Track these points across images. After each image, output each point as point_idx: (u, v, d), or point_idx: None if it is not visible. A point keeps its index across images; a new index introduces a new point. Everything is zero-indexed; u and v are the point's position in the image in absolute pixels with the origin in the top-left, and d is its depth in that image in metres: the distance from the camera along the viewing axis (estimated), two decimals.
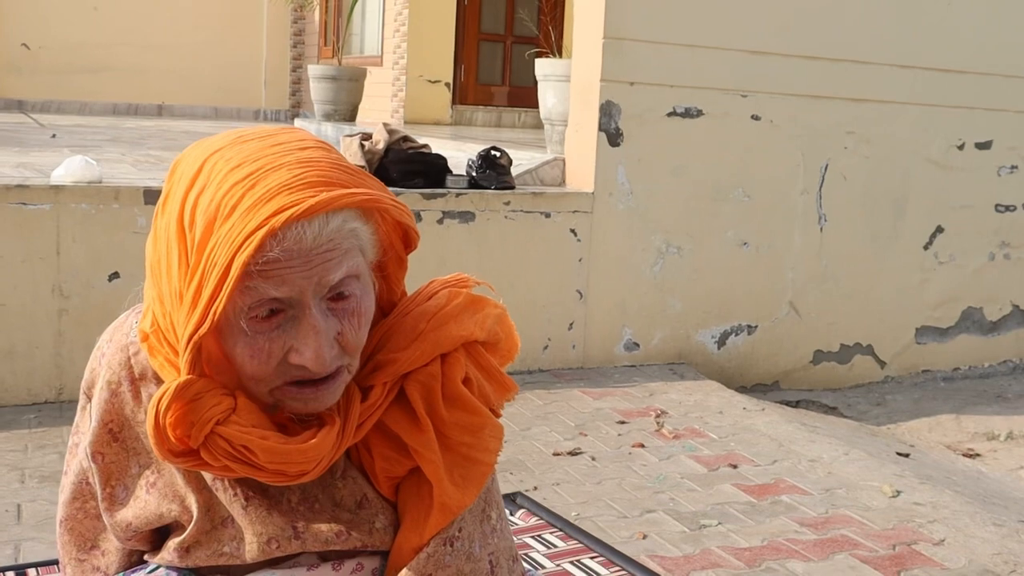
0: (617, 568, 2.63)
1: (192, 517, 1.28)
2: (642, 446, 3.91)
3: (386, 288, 1.32)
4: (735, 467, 3.76)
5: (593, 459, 3.74)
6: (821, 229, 5.46)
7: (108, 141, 7.18)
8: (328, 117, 8.53)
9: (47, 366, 4.02)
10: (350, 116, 8.62)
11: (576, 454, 3.76)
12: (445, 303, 1.32)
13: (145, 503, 1.30)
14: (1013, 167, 5.97)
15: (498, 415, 1.37)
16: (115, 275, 4.06)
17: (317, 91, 8.60)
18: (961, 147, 5.80)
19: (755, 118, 5.24)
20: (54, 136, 7.36)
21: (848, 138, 5.45)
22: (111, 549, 1.40)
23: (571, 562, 2.58)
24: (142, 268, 3.99)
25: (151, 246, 1.22)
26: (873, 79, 5.45)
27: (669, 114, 5.05)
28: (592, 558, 2.68)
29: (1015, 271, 6.07)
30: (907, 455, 4.37)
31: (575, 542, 2.74)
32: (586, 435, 3.97)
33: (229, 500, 1.27)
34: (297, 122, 9.07)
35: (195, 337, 1.13)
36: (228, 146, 1.17)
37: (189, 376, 1.16)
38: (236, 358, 1.16)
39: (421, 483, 1.30)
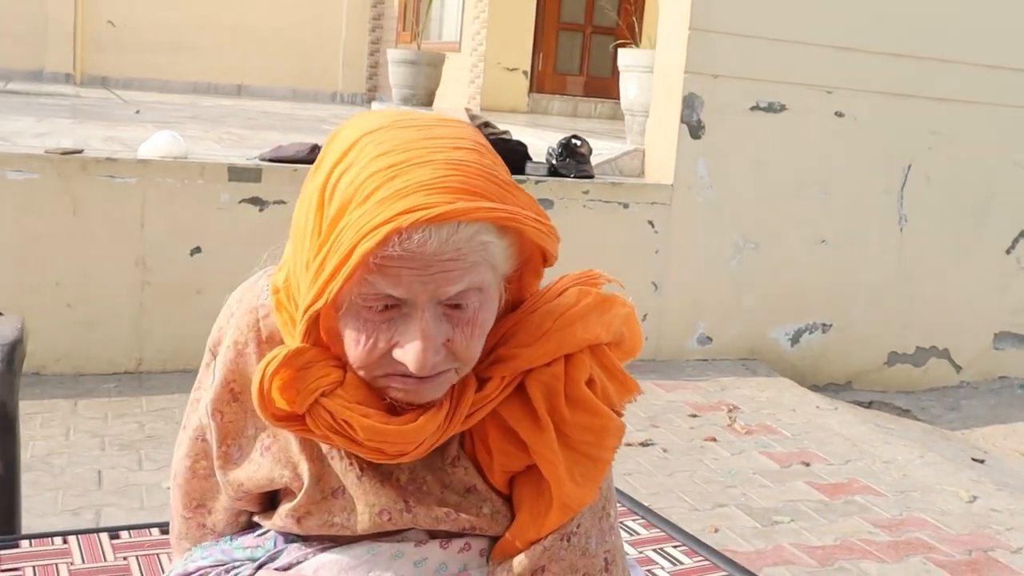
0: (700, 558, 2.62)
1: (303, 485, 1.28)
2: (714, 440, 3.89)
3: (517, 287, 1.29)
4: (808, 465, 3.73)
5: (665, 451, 3.73)
6: (901, 229, 5.38)
7: (189, 118, 7.28)
8: (405, 101, 8.56)
9: (127, 337, 4.09)
10: (427, 101, 8.65)
11: (648, 445, 3.75)
12: (574, 303, 1.28)
13: (259, 466, 1.31)
14: None
15: (620, 414, 1.34)
16: (197, 250, 4.12)
17: (395, 75, 8.64)
18: None
19: (839, 115, 5.18)
20: (138, 112, 7.48)
21: (933, 138, 5.37)
22: (218, 508, 1.41)
23: (654, 549, 2.57)
24: (224, 243, 4.06)
25: (298, 206, 1.20)
26: (959, 79, 5.35)
27: (752, 108, 5.01)
28: (675, 547, 2.68)
29: None
30: (982, 461, 4.31)
31: (657, 530, 2.73)
32: (658, 427, 3.96)
33: (343, 470, 1.28)
34: (374, 105, 9.13)
35: (310, 310, 1.13)
36: (384, 129, 1.14)
37: (302, 344, 1.17)
38: (344, 339, 1.17)
39: (540, 479, 1.28)
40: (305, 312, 1.13)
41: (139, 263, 4.07)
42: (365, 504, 1.28)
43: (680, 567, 2.41)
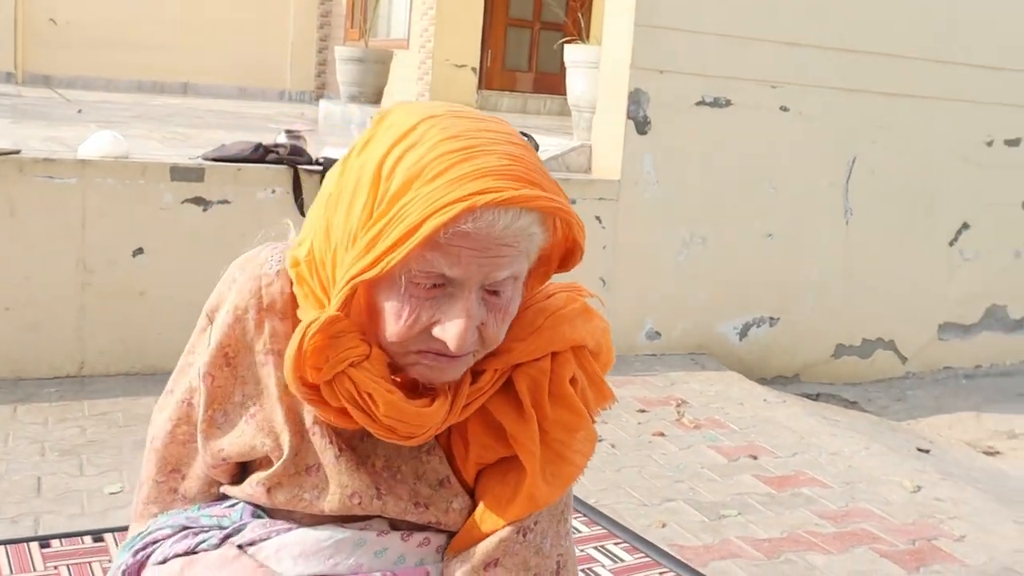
0: (641, 555, 2.62)
1: (282, 455, 1.31)
2: (662, 435, 3.90)
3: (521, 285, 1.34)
4: (755, 458, 3.75)
5: (613, 446, 3.73)
6: (847, 223, 5.43)
7: (134, 117, 7.20)
8: (353, 99, 8.51)
9: (69, 340, 4.03)
10: (375, 99, 8.60)
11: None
12: (563, 305, 1.34)
13: (242, 432, 1.33)
14: None
15: (593, 421, 1.38)
16: (139, 251, 4.07)
17: (343, 73, 8.58)
18: (990, 144, 5.75)
19: (784, 109, 5.21)
20: (80, 111, 7.38)
21: (877, 132, 5.41)
22: (192, 475, 1.42)
23: (595, 547, 2.57)
24: (167, 244, 3.99)
25: (336, 180, 1.23)
26: (904, 73, 5.40)
27: (698, 103, 5.02)
28: (616, 543, 2.68)
29: None
30: (927, 451, 4.35)
31: (599, 527, 2.73)
32: (606, 423, 3.96)
33: (323, 447, 1.30)
34: (322, 103, 9.07)
35: (357, 279, 1.16)
36: (443, 116, 1.19)
37: (338, 312, 1.20)
38: (383, 313, 1.20)
39: (508, 471, 1.32)
40: (350, 280, 1.17)
41: (80, 264, 4.01)
42: (338, 484, 1.30)
43: (621, 564, 2.41)
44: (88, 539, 2.59)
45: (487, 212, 1.13)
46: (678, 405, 4.26)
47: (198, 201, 4.13)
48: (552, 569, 1.36)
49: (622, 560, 2.55)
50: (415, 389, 1.27)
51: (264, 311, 1.32)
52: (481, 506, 1.33)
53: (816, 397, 5.11)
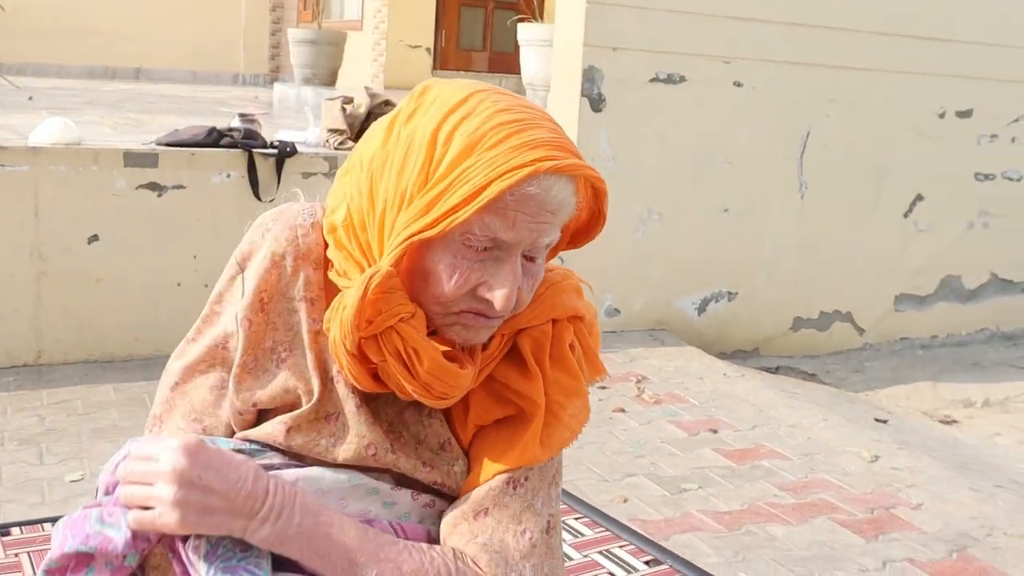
0: (601, 529, 2.64)
1: (311, 399, 1.33)
2: (623, 411, 3.92)
3: None
4: (715, 432, 3.78)
5: None
6: (802, 196, 5.47)
7: (86, 104, 7.12)
8: (308, 81, 8.46)
9: (25, 329, 4.00)
10: (330, 81, 8.56)
11: None
12: (561, 279, 1.40)
13: (274, 376, 1.36)
14: (993, 136, 5.99)
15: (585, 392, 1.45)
16: (94, 238, 4.04)
17: (297, 55, 8.53)
18: (942, 115, 5.81)
19: (737, 84, 5.23)
20: (31, 98, 7.29)
21: (830, 105, 5.45)
22: (213, 426, 1.41)
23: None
24: (122, 230, 3.94)
25: (379, 147, 1.28)
26: (855, 46, 5.44)
27: (652, 80, 5.04)
28: (577, 519, 2.70)
29: (994, 239, 6.09)
30: (885, 421, 4.40)
31: (562, 504, 2.75)
32: None
33: (345, 396, 1.34)
34: (277, 86, 9.01)
35: (416, 237, 1.21)
36: (491, 91, 1.26)
37: (392, 268, 1.24)
38: (434, 272, 1.25)
39: (502, 427, 1.37)
40: (409, 238, 1.22)
41: (35, 253, 3.97)
42: (356, 434, 1.34)
43: (582, 538, 2.43)
44: (48, 526, 2.58)
45: (547, 178, 1.20)
46: (638, 381, 4.29)
47: (152, 187, 4.10)
48: (543, 527, 1.38)
49: (583, 535, 2.57)
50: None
51: (300, 259, 1.35)
52: (474, 458, 1.37)
53: (775, 370, 5.16)
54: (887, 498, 3.30)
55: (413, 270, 1.27)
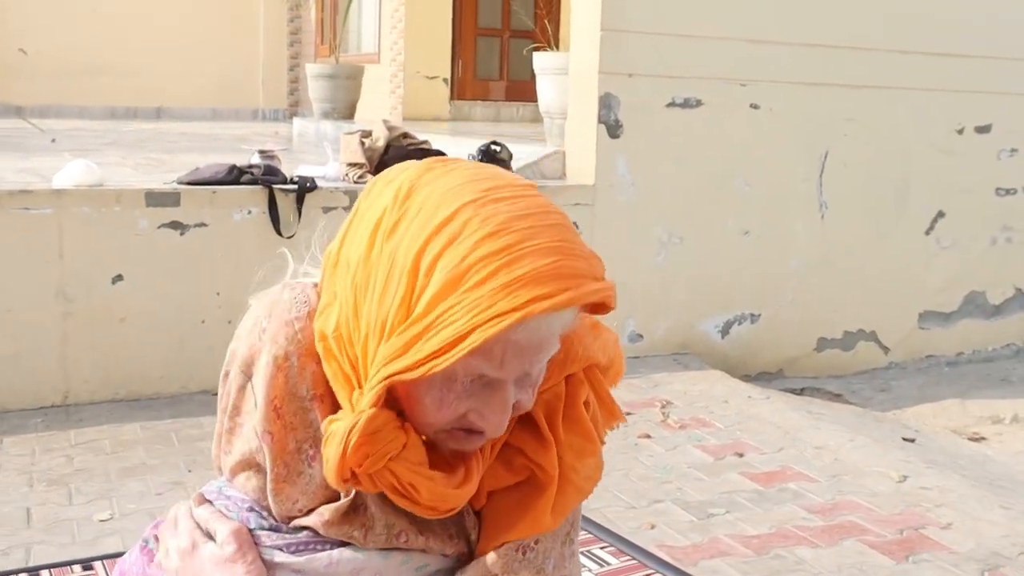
0: (627, 557, 2.64)
1: (346, 492, 1.30)
2: (648, 437, 3.92)
3: None
4: (741, 455, 3.77)
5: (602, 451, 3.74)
6: (822, 216, 5.46)
7: (108, 144, 7.19)
8: (326, 115, 8.52)
9: (53, 370, 4.03)
10: (348, 114, 8.62)
11: None
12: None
13: (310, 477, 1.32)
14: (1013, 150, 5.97)
15: (602, 442, 1.39)
16: (119, 278, 4.07)
17: (315, 89, 8.60)
18: (961, 131, 5.80)
19: (754, 107, 5.24)
20: (54, 141, 7.37)
21: (848, 125, 5.45)
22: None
23: (581, 552, 2.58)
24: (145, 269, 3.96)
25: (363, 257, 1.19)
26: (871, 65, 5.44)
27: (668, 105, 5.05)
28: (602, 547, 2.69)
29: (1017, 254, 6.06)
30: (913, 440, 4.38)
31: (585, 533, 2.75)
32: None
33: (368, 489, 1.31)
34: (296, 121, 9.07)
35: (395, 378, 1.14)
36: (482, 201, 1.15)
37: (375, 409, 1.18)
38: (420, 403, 1.20)
39: (513, 493, 1.33)
40: (388, 378, 1.15)
41: (60, 294, 4.01)
42: (384, 525, 1.32)
43: (608, 568, 2.43)
44: (78, 568, 2.60)
45: (532, 320, 1.11)
46: (663, 406, 4.28)
47: (175, 225, 4.13)
48: None
49: (608, 564, 2.57)
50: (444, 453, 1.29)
51: (304, 356, 1.29)
52: (485, 525, 1.34)
53: (801, 392, 5.14)
54: (916, 518, 3.28)
55: (404, 395, 1.22)
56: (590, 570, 2.52)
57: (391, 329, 1.14)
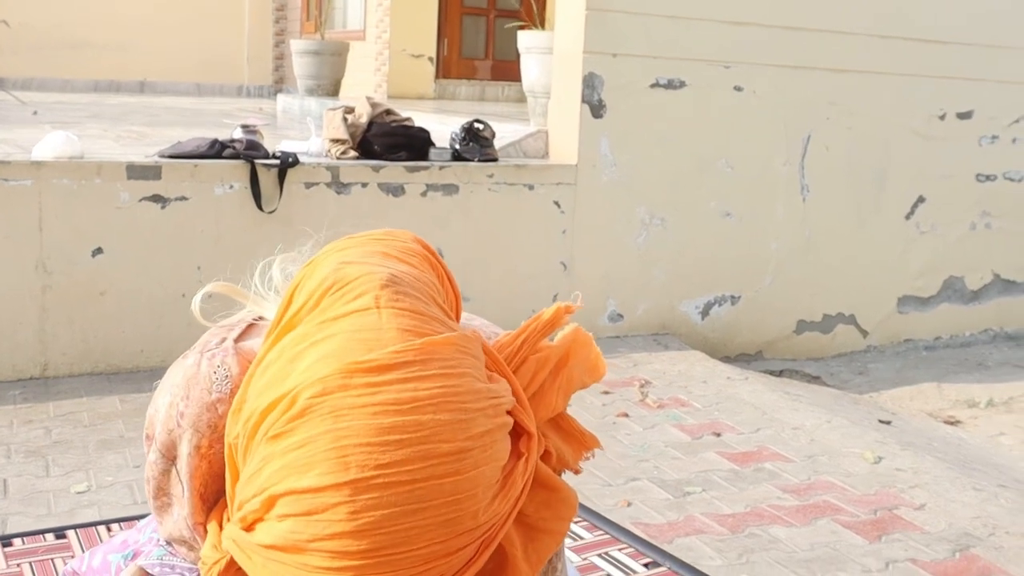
0: (600, 532, 2.66)
1: None
2: (626, 416, 3.94)
3: None
4: (719, 435, 3.79)
5: None
6: (804, 200, 5.48)
7: (90, 117, 7.15)
8: (311, 92, 8.50)
9: (31, 342, 4.02)
10: (333, 91, 8.60)
11: None
12: (530, 380, 1.28)
13: None
14: (994, 137, 6.00)
15: (577, 472, 1.35)
16: (98, 251, 4.06)
17: (300, 66, 8.57)
18: (943, 117, 5.82)
19: (738, 89, 5.25)
20: (35, 113, 7.33)
21: (830, 108, 5.47)
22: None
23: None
24: (126, 243, 3.97)
25: (243, 436, 1.12)
26: (855, 49, 5.46)
27: (652, 85, 5.06)
28: (576, 523, 2.71)
29: (996, 240, 6.10)
30: (889, 422, 4.41)
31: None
32: (571, 405, 3.98)
33: None
34: (280, 97, 9.04)
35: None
36: (364, 486, 1.01)
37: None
38: None
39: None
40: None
41: (39, 267, 3.99)
42: None
43: (581, 542, 2.45)
44: (50, 536, 2.61)
45: None
46: (642, 386, 4.30)
47: (156, 199, 4.13)
48: None
49: (582, 538, 2.59)
50: None
51: (225, 436, 1.22)
52: None
53: (779, 373, 5.17)
54: (890, 499, 3.30)
55: None
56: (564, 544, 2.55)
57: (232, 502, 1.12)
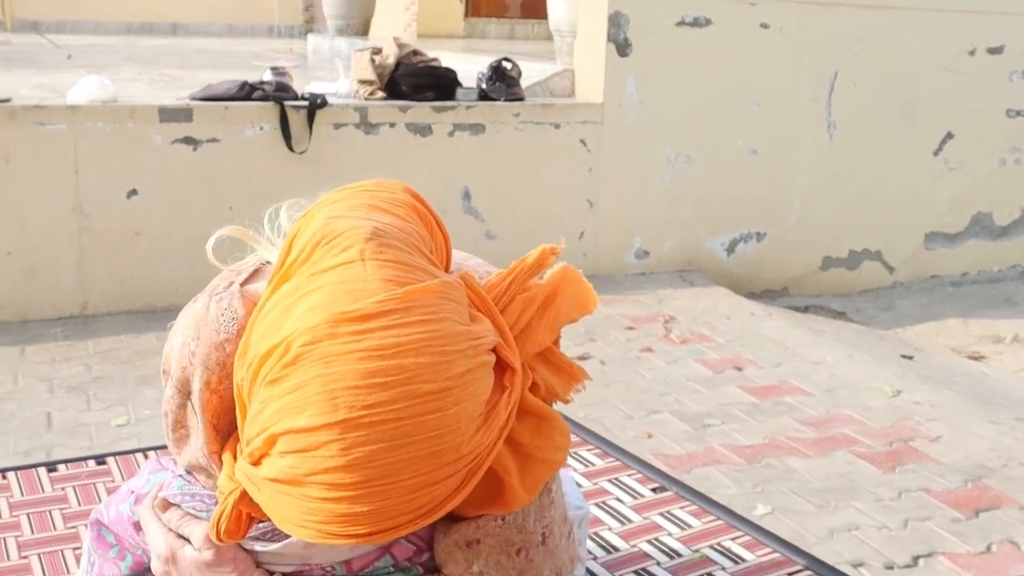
0: (611, 459, 2.75)
1: None
2: (650, 351, 4.01)
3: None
4: (740, 370, 3.86)
5: (602, 363, 3.84)
6: (831, 136, 5.49)
7: (123, 60, 7.22)
8: (341, 32, 8.52)
9: (70, 282, 4.14)
10: (363, 31, 8.61)
11: (585, 358, 3.87)
12: (517, 318, 1.36)
13: None
14: None
15: (566, 402, 1.44)
16: (133, 192, 4.16)
17: (329, 5, 8.58)
18: (972, 52, 5.79)
19: (764, 26, 5.25)
20: (69, 57, 7.41)
21: (858, 45, 5.45)
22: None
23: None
24: (159, 184, 4.06)
25: (246, 380, 1.25)
26: None
27: (678, 24, 5.07)
28: (588, 450, 2.80)
29: None
30: (911, 357, 4.46)
31: (575, 437, 2.86)
32: (595, 340, 4.07)
33: None
34: (310, 38, 9.08)
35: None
36: (353, 424, 1.13)
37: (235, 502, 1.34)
38: None
39: (485, 477, 1.33)
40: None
41: (76, 209, 4.10)
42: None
43: (592, 468, 2.55)
44: (92, 463, 2.73)
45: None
46: (666, 321, 4.37)
47: (187, 141, 4.21)
48: (537, 541, 1.43)
49: (593, 464, 2.68)
50: None
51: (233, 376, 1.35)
52: (463, 503, 1.34)
53: (804, 309, 5.22)
54: (907, 431, 3.37)
55: None
56: (576, 469, 2.64)
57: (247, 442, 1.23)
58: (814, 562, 2.40)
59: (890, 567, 2.52)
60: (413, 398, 1.12)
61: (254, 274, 1.45)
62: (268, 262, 1.47)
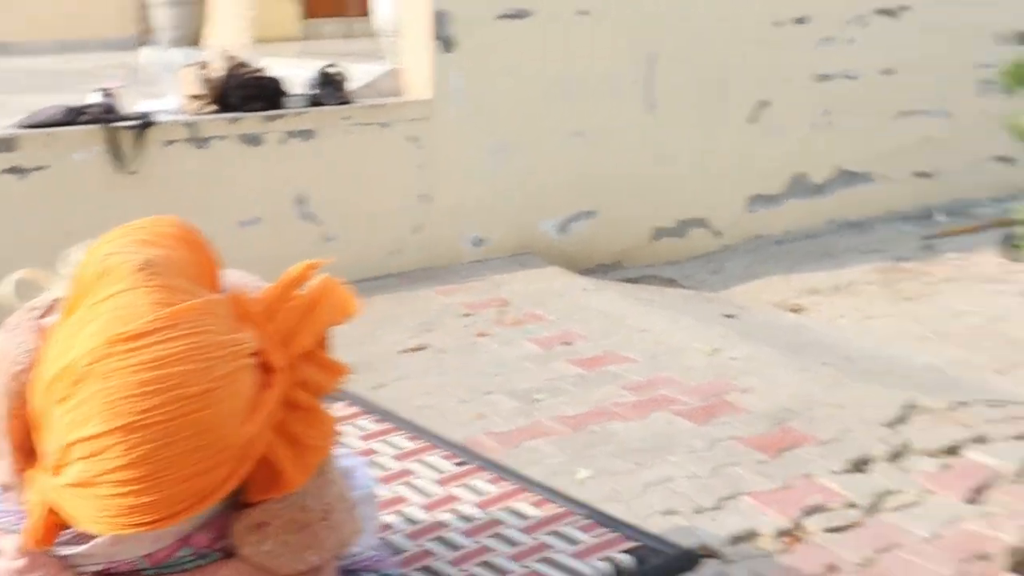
0: (421, 440, 2.96)
1: None
2: (485, 335, 4.21)
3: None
4: (569, 344, 4.09)
5: (441, 352, 4.02)
6: (653, 114, 5.76)
7: None
8: (174, 43, 8.54)
9: None
10: (194, 41, 8.64)
11: (421, 349, 4.05)
12: (282, 325, 1.60)
13: None
14: (830, 39, 6.32)
15: (333, 395, 1.64)
16: None
17: (159, 17, 8.60)
18: (779, 24, 6.12)
19: (582, 13, 5.47)
20: None
21: (673, 26, 5.72)
22: None
23: (379, 441, 2.91)
24: None
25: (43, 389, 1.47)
26: None
27: (499, 17, 5.26)
28: (398, 435, 3.00)
29: (837, 136, 6.45)
30: (733, 316, 4.75)
31: (387, 423, 3.07)
32: (432, 331, 4.25)
33: None
34: (144, 51, 9.05)
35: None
36: (132, 427, 1.35)
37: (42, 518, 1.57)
38: None
39: (263, 463, 1.54)
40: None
41: None
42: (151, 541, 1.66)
43: (402, 450, 2.76)
44: None
45: None
46: (501, 305, 4.57)
47: (14, 170, 4.25)
48: (319, 518, 1.65)
49: (402, 448, 2.90)
50: None
51: (27, 407, 1.52)
52: (246, 488, 1.57)
53: (637, 280, 5.48)
54: (722, 386, 3.63)
55: None
56: (387, 454, 2.84)
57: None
58: (594, 512, 2.66)
59: (699, 511, 2.77)
60: (180, 400, 1.34)
61: (48, 309, 1.61)
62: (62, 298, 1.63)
